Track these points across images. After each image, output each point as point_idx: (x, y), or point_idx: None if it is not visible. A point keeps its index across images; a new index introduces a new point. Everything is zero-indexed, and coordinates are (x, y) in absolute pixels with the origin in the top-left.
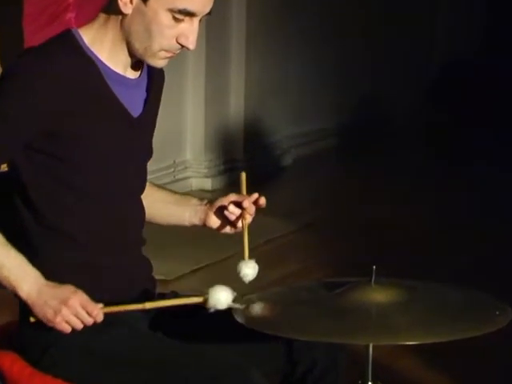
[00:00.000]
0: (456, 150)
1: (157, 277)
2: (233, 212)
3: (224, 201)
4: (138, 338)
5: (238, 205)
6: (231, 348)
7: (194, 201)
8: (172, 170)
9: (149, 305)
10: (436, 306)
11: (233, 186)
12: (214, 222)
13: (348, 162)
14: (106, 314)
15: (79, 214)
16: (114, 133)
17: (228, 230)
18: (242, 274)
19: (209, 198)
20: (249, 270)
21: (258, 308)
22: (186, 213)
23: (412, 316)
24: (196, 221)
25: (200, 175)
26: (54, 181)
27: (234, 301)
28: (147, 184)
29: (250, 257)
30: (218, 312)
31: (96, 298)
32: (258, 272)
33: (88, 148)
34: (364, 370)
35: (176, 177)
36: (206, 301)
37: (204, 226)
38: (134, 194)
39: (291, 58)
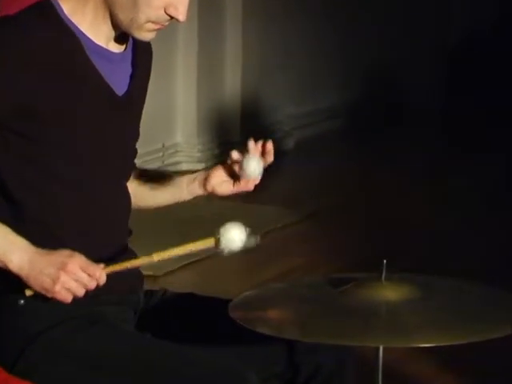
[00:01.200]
0: (472, 135)
1: (144, 272)
2: (238, 160)
3: (222, 164)
4: (122, 339)
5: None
6: (226, 350)
7: (187, 175)
8: (161, 154)
9: (157, 256)
10: (452, 304)
11: None
12: (216, 181)
13: (356, 146)
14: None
15: (57, 203)
16: (95, 112)
17: (231, 187)
18: (248, 171)
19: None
20: (254, 163)
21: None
22: (183, 183)
23: (426, 316)
24: (196, 187)
25: (192, 160)
26: (29, 166)
27: (249, 238)
28: (136, 170)
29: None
30: (212, 310)
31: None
32: (256, 267)
33: (67, 129)
34: (373, 375)
35: (165, 162)
36: (217, 242)
37: (205, 192)
38: (118, 180)
39: (292, 31)
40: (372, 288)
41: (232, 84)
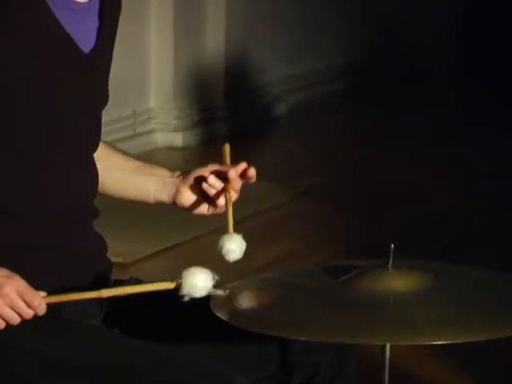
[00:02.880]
0: (484, 99)
1: (113, 259)
2: (213, 185)
3: (202, 171)
4: (88, 336)
5: (221, 177)
6: (208, 349)
7: (162, 171)
8: (131, 121)
9: (106, 292)
10: (469, 295)
11: (210, 144)
12: (188, 198)
13: (357, 112)
14: (50, 305)
15: (12, 180)
16: (57, 72)
17: (204, 210)
18: (224, 251)
19: (179, 157)
20: (233, 245)
21: (244, 299)
22: (150, 185)
23: (439, 309)
24: (163, 197)
25: (168, 128)
26: None
27: (216, 286)
28: (101, 144)
29: (236, 231)
30: (195, 302)
31: (37, 287)
32: (244, 253)
33: (22, 92)
34: (379, 377)
35: (137, 130)
36: (179, 287)
37: (173, 205)
38: (83, 152)
39: None
40: (377, 277)
41: (214, 41)
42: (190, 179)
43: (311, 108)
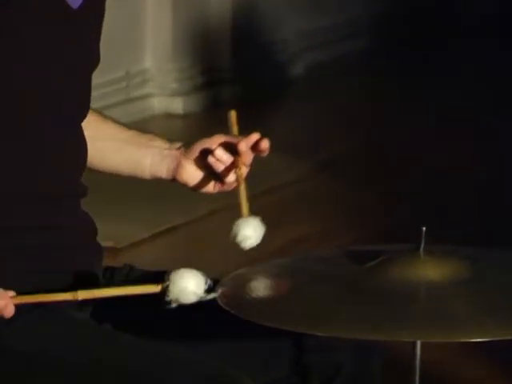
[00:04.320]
0: None
1: (103, 243)
2: (221, 159)
3: (207, 143)
4: (73, 332)
5: (230, 150)
6: (212, 347)
7: (161, 142)
8: (124, 84)
9: (82, 294)
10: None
11: (215, 110)
12: (190, 175)
13: (383, 73)
14: (18, 306)
15: None
16: (43, 30)
17: (210, 187)
18: (239, 238)
19: (179, 125)
20: (250, 230)
21: (254, 288)
22: (146, 158)
23: (477, 301)
24: (162, 172)
25: (166, 92)
26: None
27: (208, 291)
28: (90, 111)
29: (251, 214)
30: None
31: (13, 278)
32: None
33: (3, 53)
34: (408, 379)
35: (131, 94)
36: (165, 290)
37: (173, 181)
38: (71, 120)
39: None
40: (407, 264)
41: None
42: (194, 152)
43: (332, 69)
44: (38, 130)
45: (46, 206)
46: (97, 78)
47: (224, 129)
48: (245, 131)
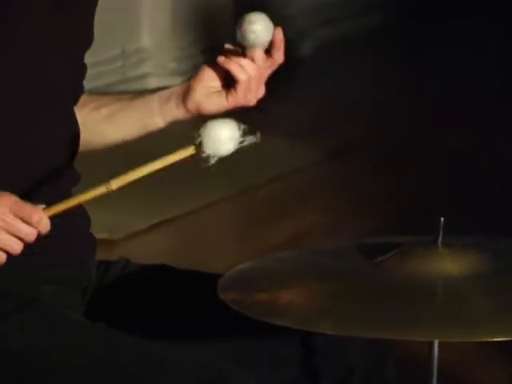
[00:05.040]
0: None
1: (98, 235)
2: (230, 54)
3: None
4: (65, 332)
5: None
6: (214, 347)
7: (158, 93)
8: (120, 63)
9: (116, 183)
10: None
11: None
12: (202, 93)
13: (400, 51)
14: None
15: None
16: (31, 10)
17: (223, 100)
18: (248, 30)
19: None
20: (258, 25)
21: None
22: (152, 100)
23: (499, 297)
24: (172, 108)
25: (164, 72)
26: None
27: (245, 136)
28: (83, 96)
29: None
30: (193, 290)
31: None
32: (256, 228)
33: None
34: (425, 382)
35: (127, 74)
36: (199, 148)
37: (186, 113)
38: (61, 102)
39: None
40: (423, 258)
41: None
42: (198, 73)
43: (343, 47)
44: (25, 112)
45: (34, 193)
46: (90, 56)
47: (228, 112)
48: (245, 115)
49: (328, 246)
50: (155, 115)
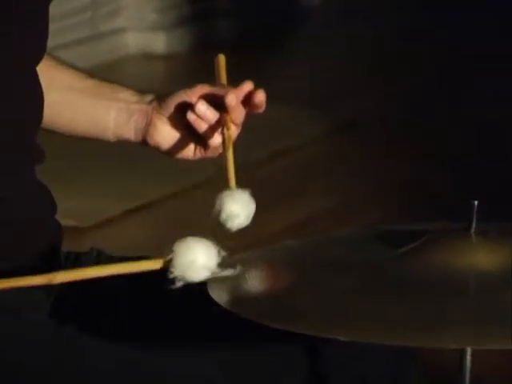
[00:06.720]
0: None
1: (64, 222)
2: (204, 116)
3: (187, 95)
4: (27, 336)
5: (215, 103)
6: (205, 354)
7: (127, 94)
8: (89, 14)
9: (60, 277)
10: None
11: (206, 50)
12: (165, 135)
13: (416, 5)
14: None
15: None
16: None
17: (190, 152)
18: (224, 216)
19: (159, 68)
20: (237, 206)
21: (256, 279)
22: (109, 114)
23: None
24: (128, 132)
25: (143, 26)
26: None
27: (221, 265)
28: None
29: (239, 186)
30: (190, 288)
31: None
32: (256, 212)
33: None
34: None
35: (98, 28)
36: (168, 265)
37: (143, 144)
38: (20, 63)
39: None
40: (453, 249)
41: None
42: (170, 107)
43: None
44: None
45: None
46: (56, 6)
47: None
48: (238, 81)
49: (338, 233)
50: (107, 131)
